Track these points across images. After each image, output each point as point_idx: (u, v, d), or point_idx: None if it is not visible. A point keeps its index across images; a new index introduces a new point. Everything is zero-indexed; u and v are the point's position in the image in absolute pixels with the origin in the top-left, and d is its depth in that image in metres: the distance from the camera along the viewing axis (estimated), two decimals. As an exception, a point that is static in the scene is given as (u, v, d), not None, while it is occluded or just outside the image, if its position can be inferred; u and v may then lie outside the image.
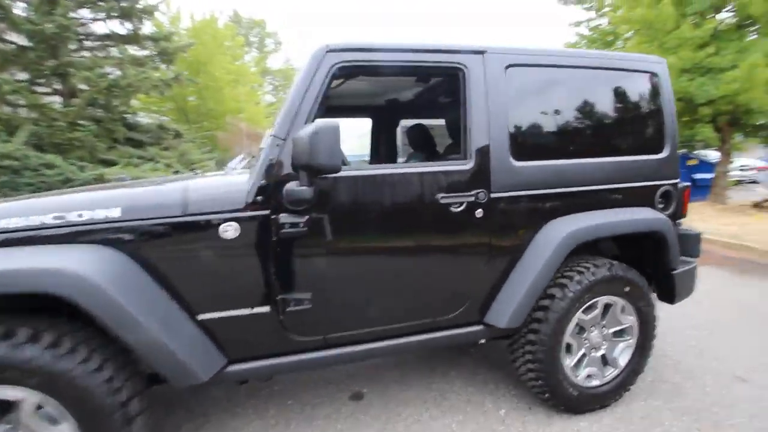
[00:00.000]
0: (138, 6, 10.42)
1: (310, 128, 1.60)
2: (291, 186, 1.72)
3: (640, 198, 2.41)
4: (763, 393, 2.50)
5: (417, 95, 3.04)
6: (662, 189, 2.45)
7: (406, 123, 3.70)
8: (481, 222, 2.04)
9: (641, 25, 8.34)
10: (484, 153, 2.04)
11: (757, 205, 9.35)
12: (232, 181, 1.89)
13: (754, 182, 14.46)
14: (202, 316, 1.71)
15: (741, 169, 15.77)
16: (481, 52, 2.08)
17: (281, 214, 1.74)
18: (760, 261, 5.34)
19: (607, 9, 10.55)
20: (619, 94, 2.40)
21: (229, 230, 1.69)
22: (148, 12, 10.62)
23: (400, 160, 3.77)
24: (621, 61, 2.40)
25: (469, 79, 2.04)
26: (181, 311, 1.67)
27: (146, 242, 1.64)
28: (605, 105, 2.36)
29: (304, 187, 1.66)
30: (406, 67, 2.00)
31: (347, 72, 1.92)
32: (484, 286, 2.12)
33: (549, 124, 2.24)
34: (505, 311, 2.07)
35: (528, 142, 2.18)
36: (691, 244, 2.53)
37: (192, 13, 12.43)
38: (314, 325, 1.87)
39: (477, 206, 2.02)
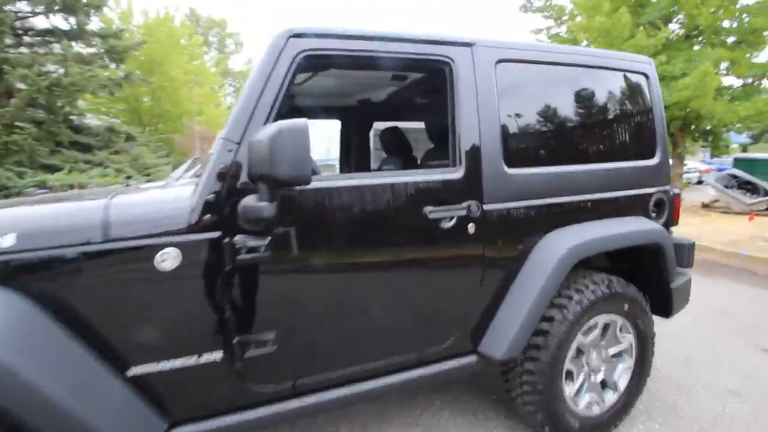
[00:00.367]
0: (83, 0, 9.57)
1: (270, 129, 1.25)
2: (248, 201, 1.35)
3: (634, 207, 2.20)
4: (759, 407, 2.36)
5: (394, 93, 2.72)
6: (656, 196, 2.26)
7: (378, 126, 3.39)
8: (473, 238, 1.75)
9: (599, 33, 8.45)
10: (475, 159, 1.75)
11: (706, 206, 9.72)
12: (172, 195, 1.51)
13: (699, 183, 15.22)
14: (133, 371, 1.31)
15: (686, 172, 16.58)
16: (469, 45, 1.79)
17: (236, 237, 1.37)
18: (723, 262, 5.41)
19: (566, 17, 10.70)
20: (612, 96, 2.19)
21: (167, 259, 1.30)
22: (95, 7, 9.77)
23: (372, 166, 3.45)
24: (613, 60, 2.19)
25: (457, 75, 1.75)
26: (104, 368, 1.26)
27: (53, 279, 1.23)
28: (598, 107, 2.14)
29: (264, 203, 1.31)
30: (384, 59, 1.67)
31: (315, 63, 1.58)
32: (477, 310, 1.83)
33: (542, 127, 1.99)
34: (501, 340, 1.78)
35: (521, 147, 1.91)
36: (684, 253, 2.35)
37: (145, 10, 11.56)
38: (280, 371, 1.51)
39: (469, 220, 1.73)
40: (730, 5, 8.49)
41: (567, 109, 2.03)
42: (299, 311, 1.51)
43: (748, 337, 3.29)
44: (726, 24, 8.84)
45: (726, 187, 9.56)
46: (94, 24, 10.18)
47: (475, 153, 1.75)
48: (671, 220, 2.38)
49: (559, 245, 1.84)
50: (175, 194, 1.48)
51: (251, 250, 1.38)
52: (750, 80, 9.34)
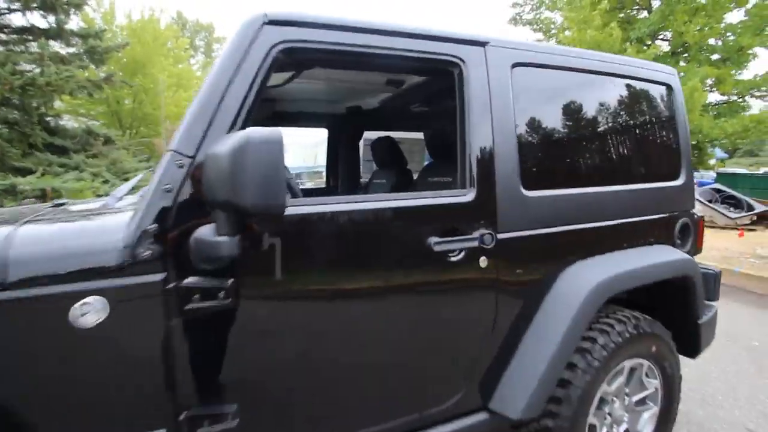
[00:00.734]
0: (63, -2, 9.07)
1: (233, 141, 0.92)
2: (203, 233, 1.01)
3: (660, 233, 1.92)
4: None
5: (390, 98, 2.40)
6: (681, 221, 1.99)
7: (369, 135, 3.07)
8: (485, 274, 1.43)
9: (590, 46, 8.34)
10: (488, 179, 1.44)
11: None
12: (99, 225, 1.16)
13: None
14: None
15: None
16: (482, 44, 1.49)
17: (186, 280, 1.03)
18: (717, 280, 5.22)
19: (554, 31, 10.63)
20: (636, 109, 1.91)
21: (89, 312, 0.94)
22: (75, 5, 9.28)
23: (362, 179, 3.12)
24: (636, 69, 1.91)
25: (468, 79, 1.44)
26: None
27: None
28: (623, 121, 1.86)
29: (223, 237, 0.97)
30: (380, 57, 1.35)
31: (296, 58, 1.25)
32: (489, 359, 1.51)
33: (563, 143, 1.69)
34: (518, 395, 1.46)
35: (540, 166, 1.61)
36: (710, 284, 2.08)
37: (129, 11, 11.07)
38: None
39: (481, 253, 1.41)
40: (716, 23, 8.50)
41: (589, 123, 1.74)
42: (270, 375, 1.17)
43: (757, 364, 3.06)
44: (712, 42, 8.83)
45: (710, 201, 9.50)
46: (75, 23, 9.68)
47: (488, 172, 1.44)
48: (696, 248, 2.10)
49: (585, 281, 1.54)
50: (105, 223, 1.13)
51: (207, 296, 1.04)
52: (734, 97, 9.35)
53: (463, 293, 1.43)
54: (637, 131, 1.90)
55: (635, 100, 1.88)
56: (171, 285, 1.01)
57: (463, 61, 1.44)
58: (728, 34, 8.55)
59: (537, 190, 1.54)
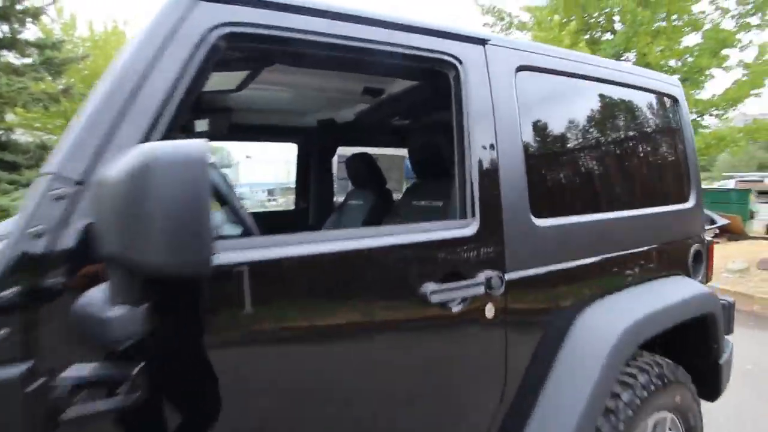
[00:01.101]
0: (18, 7, 8.46)
1: (130, 160, 0.58)
2: (91, 300, 0.65)
3: (673, 263, 1.67)
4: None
5: (369, 111, 2.09)
6: (694, 248, 1.75)
7: (344, 151, 2.75)
8: (493, 325, 1.12)
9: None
10: (493, 207, 1.14)
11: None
12: None
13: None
14: None
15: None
16: (482, 42, 1.20)
17: (67, 371, 0.66)
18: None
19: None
20: (647, 124, 1.68)
21: None
22: (32, 15, 8.67)
23: (337, 198, 2.79)
24: (643, 78, 1.68)
25: (467, 83, 1.15)
26: None
27: None
28: (635, 137, 1.61)
29: (118, 310, 0.61)
30: (359, 52, 1.04)
31: (245, 49, 0.92)
32: (495, 428, 1.19)
33: (574, 162, 1.42)
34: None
35: (550, 190, 1.33)
36: (727, 317, 1.84)
37: (90, 22, 10.40)
38: None
39: (487, 299, 1.10)
40: (675, 45, 8.74)
41: (602, 138, 1.49)
42: None
43: (756, 389, 2.87)
44: (672, 63, 9.07)
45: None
46: (32, 33, 9.03)
47: (493, 198, 1.14)
48: (707, 276, 1.87)
49: (609, 327, 1.25)
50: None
51: (99, 394, 0.67)
52: (694, 116, 9.61)
53: (465, 351, 1.11)
54: (649, 148, 1.66)
55: (646, 113, 1.65)
56: (39, 382, 0.64)
57: (459, 61, 1.14)
58: (687, 56, 8.81)
59: (548, 218, 1.25)
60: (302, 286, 0.88)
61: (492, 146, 1.16)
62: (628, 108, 1.58)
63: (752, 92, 8.36)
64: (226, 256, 0.77)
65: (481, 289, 1.06)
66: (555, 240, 1.25)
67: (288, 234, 0.88)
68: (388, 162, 3.18)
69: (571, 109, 1.40)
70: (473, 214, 1.11)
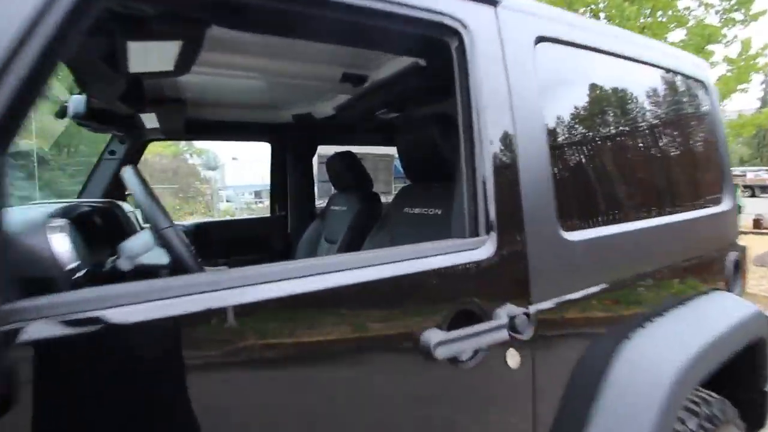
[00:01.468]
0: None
1: None
2: None
3: (713, 276, 1.41)
4: None
5: (350, 102, 1.77)
6: (733, 258, 1.49)
7: (325, 150, 2.44)
8: (517, 377, 0.83)
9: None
10: (512, 219, 0.85)
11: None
12: None
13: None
14: None
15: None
16: (493, 3, 0.91)
17: None
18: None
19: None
20: (681, 113, 1.41)
21: None
22: None
23: (318, 202, 2.48)
24: (676, 60, 1.41)
25: (474, 55, 0.85)
26: None
27: None
28: (670, 130, 1.34)
29: None
30: (331, 8, 0.73)
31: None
32: None
33: (609, 159, 1.14)
34: None
35: (581, 194, 1.04)
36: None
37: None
38: None
39: (508, 345, 0.81)
40: (660, 41, 8.67)
41: (638, 131, 1.21)
42: None
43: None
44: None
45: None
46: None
47: (512, 207, 0.85)
48: (742, 288, 1.62)
49: (659, 366, 0.97)
50: None
51: None
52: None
53: (474, 415, 0.81)
54: (685, 143, 1.39)
55: (682, 100, 1.39)
56: None
57: (463, 25, 0.85)
58: (672, 52, 8.74)
59: (579, 231, 0.97)
60: (239, 348, 0.58)
61: (508, 139, 0.87)
62: (665, 94, 1.32)
63: (739, 87, 8.30)
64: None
65: (503, 334, 0.77)
66: (589, 257, 0.97)
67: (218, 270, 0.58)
68: (376, 162, 2.88)
69: (603, 93, 1.12)
70: (487, 230, 0.81)
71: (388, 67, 1.43)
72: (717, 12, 8.81)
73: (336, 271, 0.65)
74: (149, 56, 0.95)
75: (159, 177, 14.54)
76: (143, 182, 0.81)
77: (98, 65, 1.03)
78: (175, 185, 15.04)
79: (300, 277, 0.62)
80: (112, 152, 1.80)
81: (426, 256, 0.75)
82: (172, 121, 1.66)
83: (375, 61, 1.43)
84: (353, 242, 1.81)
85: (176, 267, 0.75)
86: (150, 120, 1.58)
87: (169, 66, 1.02)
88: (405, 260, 0.72)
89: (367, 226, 1.72)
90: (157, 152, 15.50)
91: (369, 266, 0.69)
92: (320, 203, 2.49)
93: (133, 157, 1.84)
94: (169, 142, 16.37)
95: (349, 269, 0.67)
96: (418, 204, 1.34)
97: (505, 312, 0.79)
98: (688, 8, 8.98)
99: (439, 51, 0.89)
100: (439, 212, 1.24)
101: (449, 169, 1.16)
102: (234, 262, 2.13)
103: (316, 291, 0.63)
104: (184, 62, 1.01)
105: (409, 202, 1.39)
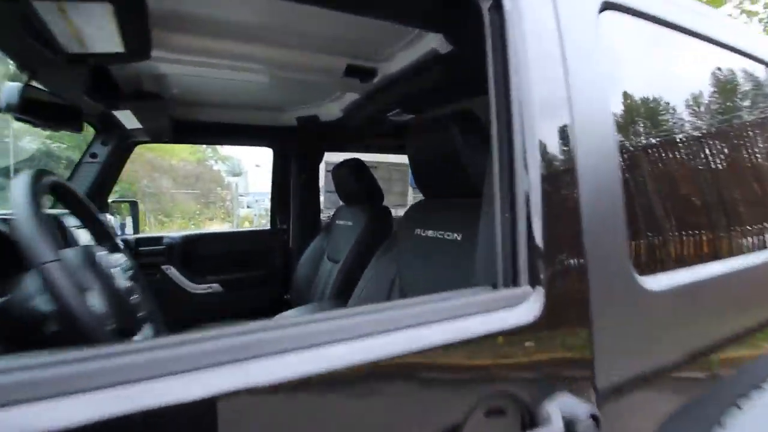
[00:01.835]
0: None
1: None
2: None
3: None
4: None
5: (359, 102, 1.52)
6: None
7: (332, 157, 2.20)
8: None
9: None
10: (569, 261, 0.57)
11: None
12: None
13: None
14: None
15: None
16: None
17: None
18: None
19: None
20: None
21: None
22: None
23: (324, 215, 2.23)
24: (756, 43, 1.11)
25: (515, 21, 0.59)
26: None
27: None
28: (760, 133, 1.04)
29: None
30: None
31: None
32: None
33: (700, 173, 0.85)
34: None
35: (662, 222, 0.75)
36: None
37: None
38: None
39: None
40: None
41: (741, 136, 0.92)
42: None
43: None
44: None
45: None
46: None
47: (568, 243, 0.57)
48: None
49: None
50: None
51: None
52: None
53: None
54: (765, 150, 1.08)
55: (762, 93, 1.07)
56: None
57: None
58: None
59: (660, 273, 0.68)
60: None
61: (564, 144, 0.59)
62: (754, 88, 1.01)
63: None
64: None
65: (558, 444, 0.49)
66: (673, 313, 0.68)
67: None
68: (390, 171, 2.62)
69: (690, 83, 0.83)
70: (532, 279, 0.54)
71: (401, 59, 1.17)
72: (761, 20, 8.30)
73: (319, 345, 0.39)
74: (83, 31, 0.72)
75: (182, 182, 14.71)
76: (35, 196, 0.57)
77: (33, 45, 0.81)
78: (197, 190, 15.19)
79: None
80: (94, 155, 1.60)
81: (429, 322, 0.47)
82: (155, 121, 1.45)
83: (384, 51, 1.18)
84: (356, 263, 1.56)
85: (62, 318, 0.51)
86: (128, 119, 1.37)
87: (117, 46, 0.79)
88: (399, 329, 0.45)
89: (375, 246, 1.46)
90: (182, 158, 15.72)
91: (360, 337, 0.43)
92: (325, 217, 2.24)
93: (116, 161, 1.64)
94: (195, 149, 16.51)
95: (335, 342, 0.41)
96: (431, 225, 1.07)
97: (556, 409, 0.51)
98: (730, 16, 8.50)
99: (466, 21, 0.62)
100: (459, 237, 0.96)
101: (474, 182, 0.89)
102: (226, 282, 1.90)
103: (298, 379, 0.37)
104: (137, 41, 0.78)
105: (420, 222, 1.11)
